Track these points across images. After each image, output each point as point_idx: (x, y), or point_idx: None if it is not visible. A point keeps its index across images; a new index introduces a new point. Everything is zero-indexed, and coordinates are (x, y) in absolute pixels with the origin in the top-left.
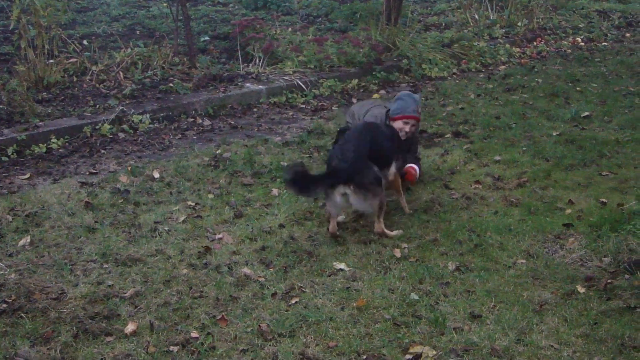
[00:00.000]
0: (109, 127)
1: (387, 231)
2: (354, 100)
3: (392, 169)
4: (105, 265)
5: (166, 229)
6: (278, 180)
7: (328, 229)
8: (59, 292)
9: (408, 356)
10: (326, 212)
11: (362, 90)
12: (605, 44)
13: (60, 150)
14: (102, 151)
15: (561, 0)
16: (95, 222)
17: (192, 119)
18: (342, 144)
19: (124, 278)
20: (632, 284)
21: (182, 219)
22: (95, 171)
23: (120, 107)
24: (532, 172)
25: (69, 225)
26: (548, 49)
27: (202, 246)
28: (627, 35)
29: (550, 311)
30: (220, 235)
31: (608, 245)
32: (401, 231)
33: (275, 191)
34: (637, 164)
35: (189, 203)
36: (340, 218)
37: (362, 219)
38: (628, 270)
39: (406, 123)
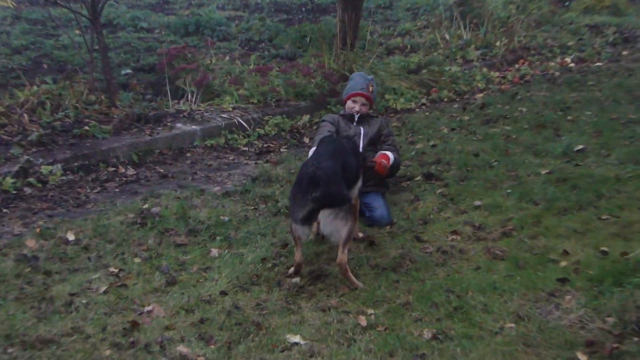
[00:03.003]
0: (12, 181)
1: (349, 271)
2: (306, 140)
3: (355, 191)
4: (10, 350)
5: (84, 302)
6: (218, 238)
7: (294, 261)
8: None
9: None
10: (292, 234)
11: (314, 127)
12: (599, 64)
13: None
14: (4, 210)
15: (546, 14)
16: None
17: (114, 168)
18: (316, 155)
19: None
20: None
21: (103, 289)
22: None
23: (26, 157)
24: (519, 218)
25: None
26: (532, 72)
27: (128, 321)
28: (624, 53)
29: None
30: (149, 307)
31: (612, 303)
32: (362, 285)
33: (214, 252)
34: None
35: (112, 269)
36: (295, 280)
37: (320, 281)
38: (637, 331)
39: (354, 101)
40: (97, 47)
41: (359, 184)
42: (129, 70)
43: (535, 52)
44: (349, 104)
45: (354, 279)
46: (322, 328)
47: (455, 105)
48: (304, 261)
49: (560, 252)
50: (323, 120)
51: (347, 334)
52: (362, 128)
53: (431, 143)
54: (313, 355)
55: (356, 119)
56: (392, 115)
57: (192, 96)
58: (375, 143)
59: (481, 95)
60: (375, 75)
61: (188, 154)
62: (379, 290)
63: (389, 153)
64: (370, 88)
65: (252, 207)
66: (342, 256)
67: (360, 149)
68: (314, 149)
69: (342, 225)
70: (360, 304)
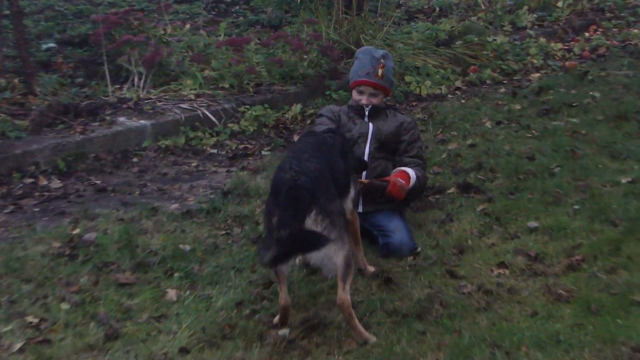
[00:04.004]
0: None
1: (355, 318)
2: (296, 138)
3: (349, 202)
4: None
5: None
6: (176, 275)
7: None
8: None
9: None
10: (272, 270)
11: (309, 120)
12: None
13: None
14: None
15: None
16: None
17: (32, 179)
18: (294, 154)
19: None
20: None
21: (17, 346)
22: None
23: None
24: (591, 245)
25: None
26: (608, 42)
27: None
28: None
29: None
30: None
31: None
32: (375, 338)
33: (171, 293)
34: None
35: (30, 319)
36: (283, 332)
37: (316, 333)
38: None
39: (360, 92)
40: (7, 11)
41: (352, 193)
42: (52, 44)
43: (612, 15)
44: (355, 94)
45: (362, 329)
46: None
47: (502, 90)
48: (290, 305)
49: None
50: (320, 115)
51: None
52: (371, 125)
53: (469, 142)
54: None
55: (367, 113)
56: (414, 103)
57: (140, 79)
58: (389, 149)
59: (538, 75)
60: (391, 50)
61: (134, 159)
62: (398, 346)
63: (409, 170)
64: (380, 71)
65: (224, 232)
66: (343, 295)
67: (365, 156)
68: None
69: (335, 250)
70: (365, 340)
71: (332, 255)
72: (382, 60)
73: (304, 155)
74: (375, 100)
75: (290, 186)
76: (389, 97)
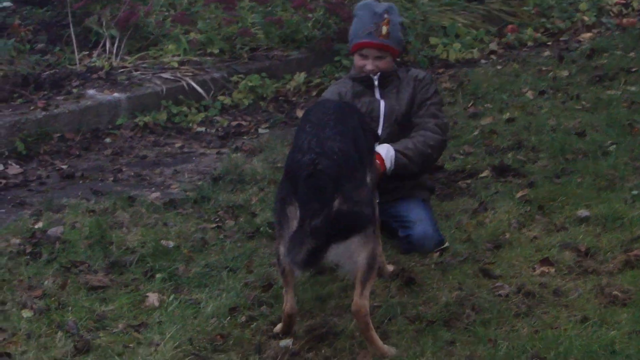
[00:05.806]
0: None
1: (372, 328)
2: (299, 113)
3: None
4: None
5: None
6: (158, 276)
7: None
8: None
9: None
10: (279, 268)
11: (314, 92)
12: None
13: None
14: None
15: None
16: None
17: None
18: (312, 128)
19: None
20: None
21: None
22: None
23: None
24: None
25: None
26: None
27: None
28: None
29: None
30: None
31: None
32: (394, 350)
33: (152, 298)
34: None
35: None
36: (285, 343)
37: (325, 344)
38: None
39: (364, 57)
40: None
41: (367, 180)
42: (7, 3)
43: None
44: (357, 59)
45: (379, 342)
46: None
47: (546, 53)
48: (297, 312)
49: None
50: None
51: None
52: (382, 103)
53: (506, 116)
54: None
55: (376, 84)
56: (441, 70)
57: (113, 44)
58: (407, 126)
59: (589, 35)
60: (413, 6)
61: (107, 140)
62: (422, 358)
63: (383, 149)
64: (384, 29)
65: (214, 225)
66: (361, 300)
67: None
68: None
69: (359, 246)
70: (383, 353)
71: (354, 252)
72: (385, 16)
73: (325, 132)
74: (382, 65)
75: (309, 172)
76: (399, 59)
